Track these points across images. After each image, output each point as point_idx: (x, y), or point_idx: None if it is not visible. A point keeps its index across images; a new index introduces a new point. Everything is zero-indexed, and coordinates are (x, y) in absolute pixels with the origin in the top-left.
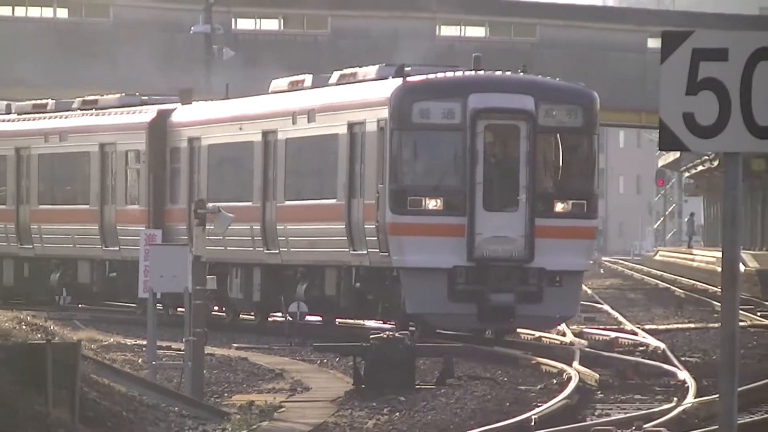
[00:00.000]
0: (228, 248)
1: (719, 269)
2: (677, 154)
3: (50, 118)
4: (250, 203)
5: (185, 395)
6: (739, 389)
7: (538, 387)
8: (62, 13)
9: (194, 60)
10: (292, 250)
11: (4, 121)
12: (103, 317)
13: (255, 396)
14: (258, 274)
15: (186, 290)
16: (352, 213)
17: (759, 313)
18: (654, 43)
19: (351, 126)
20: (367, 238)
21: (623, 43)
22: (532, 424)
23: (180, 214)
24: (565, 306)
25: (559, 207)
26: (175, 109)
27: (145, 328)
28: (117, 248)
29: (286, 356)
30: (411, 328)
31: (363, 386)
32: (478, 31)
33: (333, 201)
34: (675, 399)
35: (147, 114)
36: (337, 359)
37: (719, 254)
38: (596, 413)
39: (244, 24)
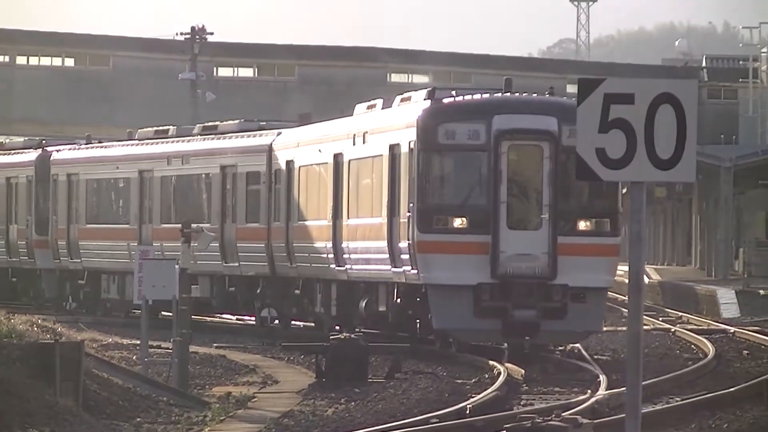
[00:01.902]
0: (312, 265)
1: (627, 281)
2: None
3: (172, 142)
4: (325, 221)
5: (172, 387)
6: (643, 383)
7: (473, 381)
8: (69, 62)
9: (181, 102)
10: (354, 267)
11: (128, 146)
12: (103, 321)
13: (232, 388)
14: (334, 290)
15: (174, 298)
16: (392, 232)
17: (660, 318)
18: (572, 89)
19: (391, 147)
20: (402, 256)
21: (545, 88)
22: (467, 411)
23: (279, 232)
24: (590, 321)
25: (582, 225)
26: (279, 134)
27: (139, 330)
28: (237, 264)
29: (258, 354)
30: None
31: (324, 380)
32: (423, 78)
33: (379, 220)
34: (589, 391)
35: (268, 137)
36: (302, 356)
37: (626, 268)
38: (522, 403)
39: (224, 72)
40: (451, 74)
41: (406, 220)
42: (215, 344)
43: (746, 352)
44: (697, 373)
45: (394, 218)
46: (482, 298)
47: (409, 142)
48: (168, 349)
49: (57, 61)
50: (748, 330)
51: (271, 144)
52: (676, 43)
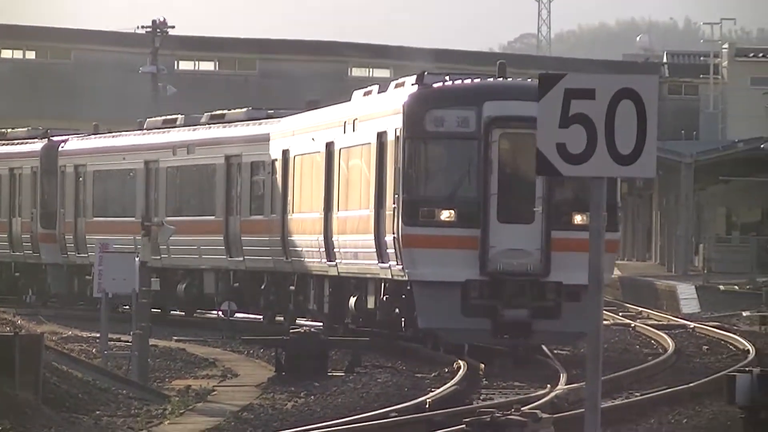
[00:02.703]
0: (305, 260)
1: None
2: None
3: (177, 131)
4: (317, 214)
5: (132, 380)
6: (603, 378)
7: (432, 375)
8: (30, 55)
9: (143, 96)
10: (344, 262)
11: (135, 136)
12: (63, 314)
13: (191, 381)
14: (326, 286)
15: (134, 291)
16: (379, 225)
17: (620, 314)
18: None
19: (379, 135)
20: (387, 251)
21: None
22: (427, 406)
23: (275, 225)
24: (586, 322)
25: (577, 219)
26: (278, 122)
27: (99, 323)
28: (241, 258)
29: (218, 347)
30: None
31: (283, 373)
32: (384, 73)
33: (366, 212)
34: (549, 386)
35: (270, 126)
36: (262, 350)
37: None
38: (481, 398)
39: (185, 65)
40: (412, 69)
41: (392, 213)
42: (175, 337)
43: (706, 347)
44: (656, 369)
45: (381, 210)
46: (471, 295)
47: (396, 130)
48: (128, 342)
49: (18, 54)
50: (707, 325)
51: (268, 134)
52: (638, 38)
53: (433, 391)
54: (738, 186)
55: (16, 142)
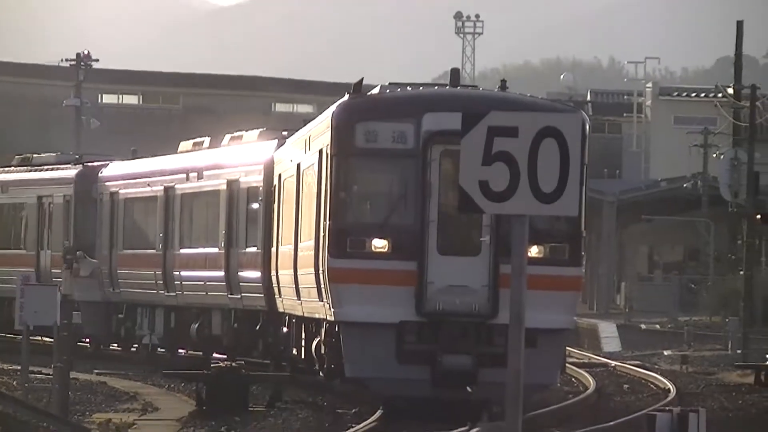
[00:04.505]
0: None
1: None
2: None
3: (194, 154)
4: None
5: (53, 413)
6: (523, 416)
7: (353, 411)
8: None
9: (66, 128)
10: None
11: (164, 160)
12: None
13: (112, 414)
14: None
15: (55, 324)
16: (301, 256)
17: None
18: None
19: (320, 152)
20: (308, 288)
21: None
22: None
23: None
24: (542, 372)
25: (533, 251)
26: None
27: (20, 355)
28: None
29: (139, 381)
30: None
31: (204, 408)
32: (307, 108)
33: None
34: (469, 423)
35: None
36: (183, 384)
37: None
38: None
39: (109, 99)
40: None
41: (315, 243)
42: (96, 371)
43: (627, 386)
44: (577, 407)
45: (306, 243)
46: (406, 339)
47: (324, 147)
48: (49, 374)
49: None
50: (629, 364)
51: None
52: (561, 77)
53: (353, 427)
54: (660, 225)
55: (45, 167)
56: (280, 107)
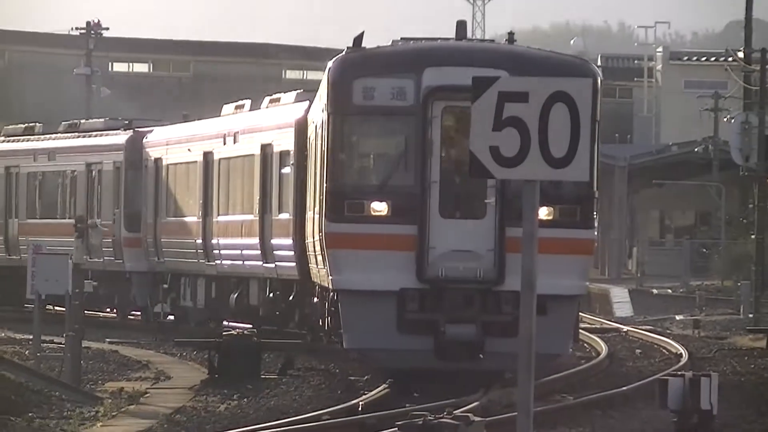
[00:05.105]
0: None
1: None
2: None
3: (237, 118)
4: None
5: (65, 382)
6: (536, 382)
7: (365, 378)
8: None
9: (76, 97)
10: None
11: (205, 123)
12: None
13: (124, 383)
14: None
15: (67, 292)
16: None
17: None
18: None
19: (322, 113)
20: (315, 254)
21: None
22: (359, 409)
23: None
24: (552, 341)
25: (541, 213)
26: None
27: (32, 325)
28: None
29: (151, 350)
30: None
31: (216, 376)
32: (318, 75)
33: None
34: (482, 389)
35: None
36: (195, 352)
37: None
38: (415, 401)
39: (119, 67)
40: None
41: (318, 207)
42: (108, 339)
43: (639, 351)
44: (589, 372)
45: (310, 212)
46: (408, 308)
47: (324, 105)
48: (61, 344)
49: None
50: (640, 329)
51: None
52: (571, 42)
53: (365, 394)
54: (672, 189)
55: (93, 134)
56: (291, 74)
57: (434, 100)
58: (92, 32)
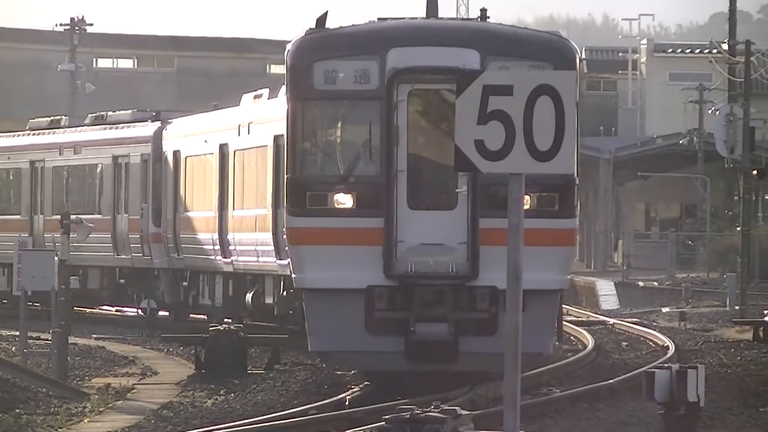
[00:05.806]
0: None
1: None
2: None
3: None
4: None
5: (51, 378)
6: (522, 375)
7: (352, 372)
8: None
9: (61, 93)
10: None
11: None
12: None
13: (111, 379)
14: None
15: (53, 288)
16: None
17: None
18: None
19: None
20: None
21: None
22: (346, 403)
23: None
24: (533, 339)
25: None
26: None
27: (18, 321)
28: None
29: (138, 345)
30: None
31: (203, 371)
32: None
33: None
34: (468, 383)
35: None
36: (181, 348)
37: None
38: (401, 395)
39: (104, 63)
40: None
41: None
42: (94, 335)
43: (625, 343)
44: (576, 365)
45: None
46: (376, 307)
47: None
48: (47, 340)
49: None
50: (627, 322)
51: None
52: None
53: (352, 389)
54: (657, 182)
55: (120, 125)
56: (275, 69)
57: (400, 83)
58: (76, 28)
